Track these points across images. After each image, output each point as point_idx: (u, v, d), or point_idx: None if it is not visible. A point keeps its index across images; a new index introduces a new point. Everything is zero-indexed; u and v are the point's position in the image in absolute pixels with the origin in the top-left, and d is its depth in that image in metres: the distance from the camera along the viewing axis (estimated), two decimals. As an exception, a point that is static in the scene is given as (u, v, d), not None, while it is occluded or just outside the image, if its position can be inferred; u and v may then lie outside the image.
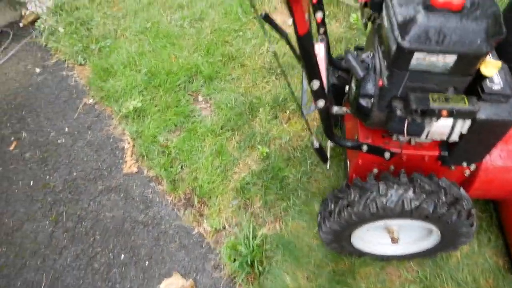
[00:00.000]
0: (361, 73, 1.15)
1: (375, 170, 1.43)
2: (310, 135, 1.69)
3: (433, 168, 1.37)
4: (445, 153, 1.32)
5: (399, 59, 1.02)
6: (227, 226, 1.79)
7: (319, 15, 1.32)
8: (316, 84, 1.04)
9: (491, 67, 1.07)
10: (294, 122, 2.07)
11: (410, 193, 1.22)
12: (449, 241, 1.38)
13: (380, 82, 1.17)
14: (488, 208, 1.68)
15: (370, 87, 1.22)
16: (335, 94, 1.58)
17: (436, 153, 1.32)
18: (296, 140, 2.00)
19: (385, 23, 1.08)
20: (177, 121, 2.18)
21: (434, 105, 1.08)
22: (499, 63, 1.07)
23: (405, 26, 0.98)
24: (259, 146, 1.98)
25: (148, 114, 2.23)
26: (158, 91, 2.32)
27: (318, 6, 1.31)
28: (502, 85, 1.13)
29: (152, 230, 1.83)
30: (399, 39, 0.98)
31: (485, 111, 1.13)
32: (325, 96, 1.11)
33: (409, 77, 1.06)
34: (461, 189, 1.29)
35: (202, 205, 1.87)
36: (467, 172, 1.40)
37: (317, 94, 1.09)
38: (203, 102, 2.28)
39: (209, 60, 2.41)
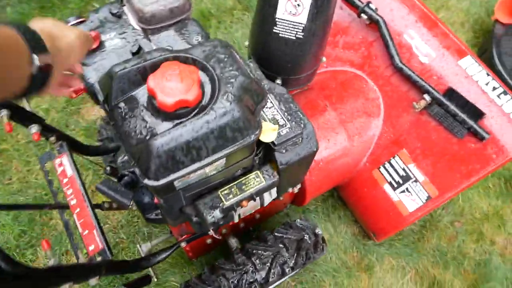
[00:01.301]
0: (128, 202, 0.84)
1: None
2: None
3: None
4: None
5: (159, 192, 0.74)
6: None
7: (33, 129, 0.91)
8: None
9: (268, 133, 0.87)
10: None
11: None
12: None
13: (156, 200, 0.88)
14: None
15: (148, 202, 0.93)
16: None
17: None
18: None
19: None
20: None
21: (228, 203, 0.85)
22: (275, 127, 0.88)
23: (141, 160, 0.68)
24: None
25: None
26: None
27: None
28: (288, 127, 0.95)
29: None
30: (146, 181, 0.69)
31: (284, 158, 0.96)
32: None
33: (184, 191, 0.80)
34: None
35: None
36: (295, 190, 1.30)
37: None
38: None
39: None
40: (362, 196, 1.42)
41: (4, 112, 0.82)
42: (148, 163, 0.67)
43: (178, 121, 0.70)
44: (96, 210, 0.90)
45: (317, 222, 1.61)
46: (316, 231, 1.22)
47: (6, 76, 0.46)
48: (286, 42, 1.02)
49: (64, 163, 0.99)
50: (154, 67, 0.74)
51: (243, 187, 0.87)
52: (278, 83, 1.14)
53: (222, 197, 0.85)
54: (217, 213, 0.85)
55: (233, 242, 1.14)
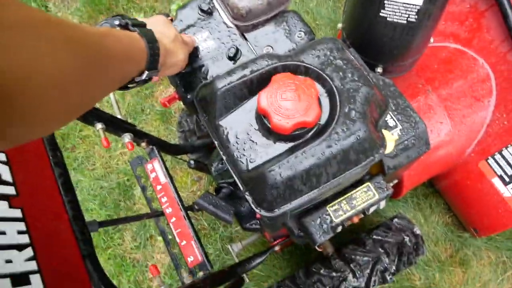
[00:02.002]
0: (230, 218, 0.79)
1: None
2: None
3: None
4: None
5: (272, 220, 0.67)
6: None
7: (126, 139, 0.87)
8: None
9: (387, 145, 0.76)
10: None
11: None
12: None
13: (258, 215, 0.82)
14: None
15: (247, 213, 0.87)
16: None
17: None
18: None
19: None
20: None
21: (337, 220, 0.77)
22: (394, 137, 0.77)
23: (255, 188, 0.61)
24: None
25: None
26: None
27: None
28: (400, 129, 0.84)
29: None
30: (260, 211, 0.62)
31: (392, 163, 0.86)
32: None
33: (292, 211, 0.72)
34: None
35: None
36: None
37: None
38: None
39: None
40: (464, 189, 1.27)
41: (100, 126, 0.79)
42: (263, 194, 0.60)
43: (293, 144, 0.62)
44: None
45: (406, 212, 1.49)
46: (415, 230, 1.12)
47: (115, 76, 0.49)
48: (395, 27, 0.88)
49: (156, 169, 0.95)
50: (262, 78, 0.65)
51: (354, 202, 0.78)
52: (379, 72, 1.00)
53: (331, 214, 0.77)
54: (325, 231, 0.77)
55: (328, 247, 1.07)
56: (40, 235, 0.51)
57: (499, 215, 1.19)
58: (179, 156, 1.42)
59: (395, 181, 1.15)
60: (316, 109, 0.58)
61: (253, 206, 0.62)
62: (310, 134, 0.61)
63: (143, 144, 0.93)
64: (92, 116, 0.79)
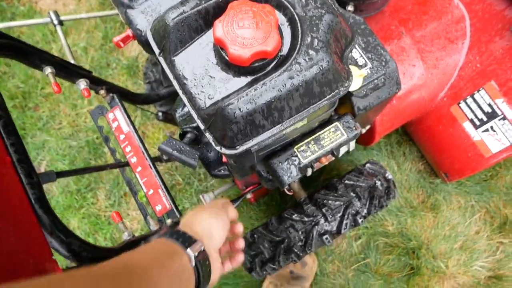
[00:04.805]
0: (194, 163, 0.76)
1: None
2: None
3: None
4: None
5: (237, 157, 0.65)
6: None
7: (82, 85, 0.82)
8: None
9: (354, 81, 0.73)
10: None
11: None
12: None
13: (224, 159, 0.79)
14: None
15: (214, 159, 0.84)
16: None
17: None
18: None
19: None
20: None
21: (305, 161, 0.76)
22: (362, 72, 0.74)
23: (214, 126, 0.58)
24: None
25: None
26: None
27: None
28: (369, 68, 0.81)
29: None
30: (221, 149, 0.59)
31: (362, 103, 0.84)
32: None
33: (257, 151, 0.70)
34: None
35: None
36: (363, 131, 1.17)
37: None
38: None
39: None
40: (436, 134, 1.27)
41: (49, 70, 0.73)
42: (223, 130, 0.57)
43: (253, 77, 0.58)
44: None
45: (380, 160, 1.50)
46: (387, 175, 1.12)
47: None
48: (366, -42, 0.82)
49: (118, 118, 0.91)
50: (218, 7, 0.60)
51: (322, 142, 0.76)
52: (350, 10, 0.96)
53: (299, 155, 0.75)
54: (293, 172, 0.76)
55: (300, 191, 1.06)
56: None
57: (469, 159, 1.21)
58: (147, 109, 1.37)
59: (368, 127, 1.14)
60: (276, 37, 0.54)
61: (213, 144, 0.59)
62: (270, 66, 0.58)
63: (102, 91, 0.88)
64: (39, 59, 0.73)
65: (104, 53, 1.67)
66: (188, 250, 0.51)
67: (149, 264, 0.43)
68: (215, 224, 0.59)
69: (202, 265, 0.52)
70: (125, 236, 0.75)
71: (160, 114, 1.04)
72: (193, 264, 0.50)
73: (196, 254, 0.51)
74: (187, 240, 0.52)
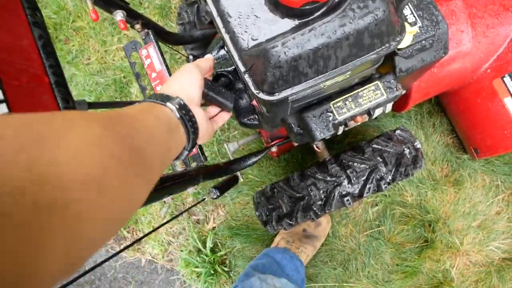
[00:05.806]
0: (230, 104, 0.74)
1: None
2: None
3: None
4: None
5: (272, 105, 0.63)
6: (171, 239, 1.57)
7: (118, 16, 0.80)
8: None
9: (405, 37, 0.68)
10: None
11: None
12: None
13: (256, 106, 0.77)
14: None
15: (245, 106, 0.83)
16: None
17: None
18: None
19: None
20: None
21: (340, 118, 0.73)
22: (413, 29, 0.69)
23: (255, 69, 0.56)
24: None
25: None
26: None
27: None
28: (419, 26, 0.76)
29: (100, 283, 1.61)
30: (259, 94, 0.57)
31: (405, 65, 0.80)
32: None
33: (293, 102, 0.68)
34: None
35: (133, 232, 1.59)
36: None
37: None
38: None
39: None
40: (472, 107, 1.22)
41: (88, -4, 0.71)
42: (264, 75, 0.54)
43: (302, 21, 0.54)
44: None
45: (408, 128, 1.46)
46: (416, 144, 1.09)
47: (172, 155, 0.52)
48: None
49: (151, 55, 0.89)
50: None
51: (360, 100, 0.73)
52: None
53: (334, 111, 0.73)
54: (326, 128, 0.74)
55: (324, 151, 1.05)
56: (16, 94, 0.46)
57: (504, 137, 1.16)
58: (177, 51, 1.34)
59: (403, 92, 1.09)
60: (331, -22, 0.50)
61: (252, 88, 0.57)
62: (321, 10, 0.54)
63: (138, 26, 0.86)
64: (78, -17, 0.70)
65: (137, -10, 1.62)
66: (168, 103, 0.53)
67: (137, 112, 0.46)
68: (187, 80, 0.61)
69: (186, 115, 0.55)
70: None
71: (191, 57, 1.02)
72: (177, 115, 0.53)
73: (177, 106, 0.53)
74: (164, 99, 0.54)
